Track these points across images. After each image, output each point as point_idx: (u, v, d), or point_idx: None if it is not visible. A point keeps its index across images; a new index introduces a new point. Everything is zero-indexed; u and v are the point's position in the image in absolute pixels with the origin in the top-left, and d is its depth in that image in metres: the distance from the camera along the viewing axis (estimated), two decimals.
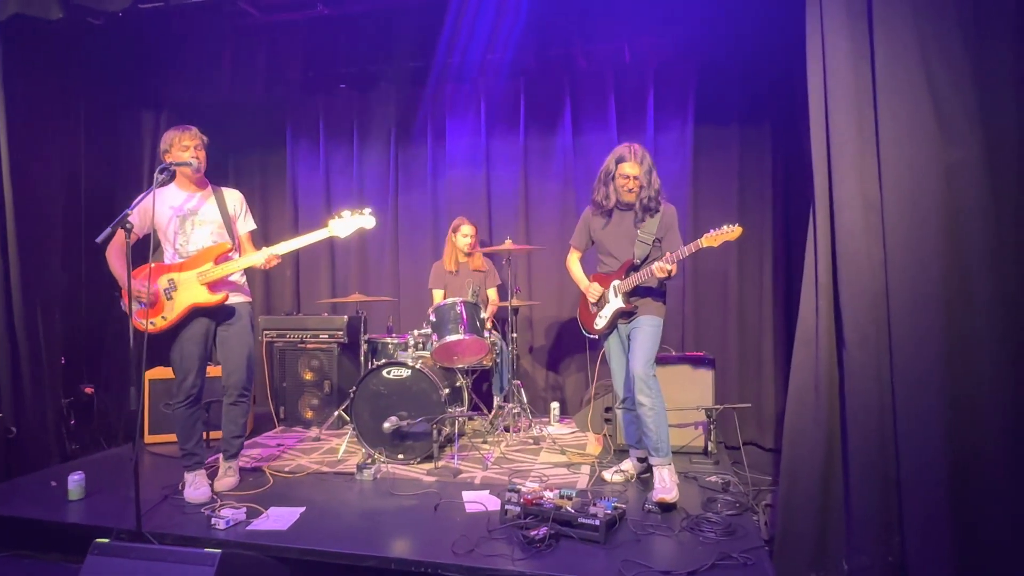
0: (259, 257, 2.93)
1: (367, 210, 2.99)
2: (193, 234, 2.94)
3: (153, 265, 2.85)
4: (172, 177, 2.96)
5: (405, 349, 3.72)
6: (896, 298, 2.05)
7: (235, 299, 3.01)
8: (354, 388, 3.50)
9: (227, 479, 3.08)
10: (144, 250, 2.75)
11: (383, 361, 3.55)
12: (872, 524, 2.08)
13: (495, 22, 3.94)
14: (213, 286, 2.90)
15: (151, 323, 2.83)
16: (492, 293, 4.42)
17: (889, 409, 2.07)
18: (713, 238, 2.70)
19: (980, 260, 1.97)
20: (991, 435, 1.95)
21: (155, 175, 2.67)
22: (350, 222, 2.98)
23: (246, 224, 3.13)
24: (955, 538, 1.96)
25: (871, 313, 2.09)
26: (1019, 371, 1.93)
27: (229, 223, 3.03)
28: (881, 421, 2.08)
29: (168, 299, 2.87)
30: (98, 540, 2.10)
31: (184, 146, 2.89)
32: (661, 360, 3.37)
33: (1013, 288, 1.95)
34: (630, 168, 2.91)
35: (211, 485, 2.98)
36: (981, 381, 1.97)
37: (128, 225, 2.54)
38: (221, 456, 3.13)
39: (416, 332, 3.68)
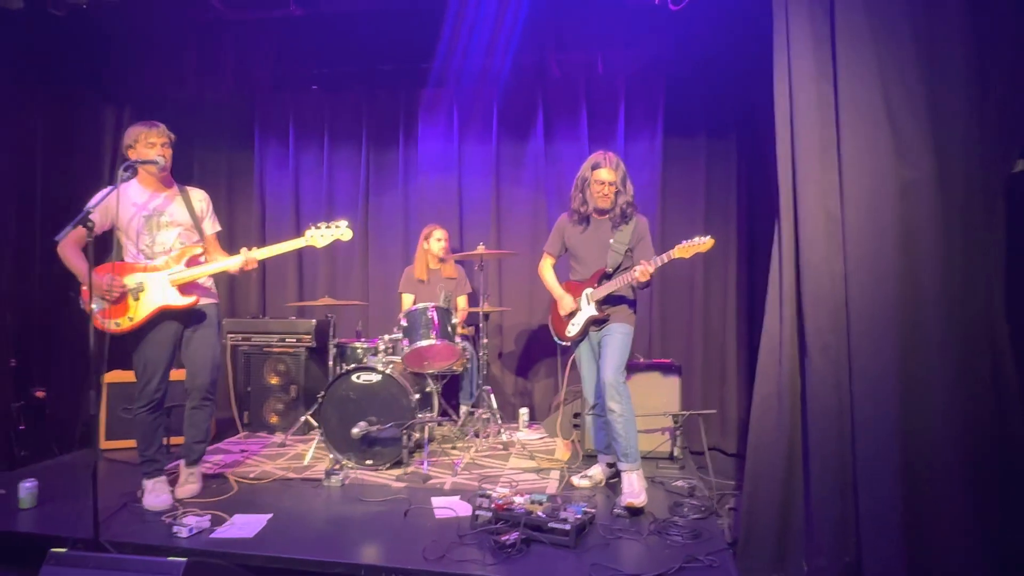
0: (235, 262, 2.88)
1: (344, 223, 2.99)
2: (159, 235, 2.87)
3: (119, 264, 2.77)
4: (135, 174, 2.88)
5: (375, 354, 3.69)
6: (855, 308, 2.15)
7: (204, 301, 2.94)
8: (322, 393, 3.46)
9: (189, 486, 2.99)
10: (100, 247, 2.66)
11: (352, 366, 3.52)
12: (830, 525, 2.16)
13: (470, 28, 3.96)
14: (184, 288, 2.84)
15: (116, 323, 2.74)
16: (462, 301, 4.43)
17: (847, 415, 2.16)
18: (685, 249, 2.76)
19: (931, 272, 2.08)
20: (942, 441, 2.05)
21: (119, 172, 2.59)
22: (327, 233, 2.97)
23: (212, 225, 3.07)
24: (908, 539, 2.05)
25: (832, 322, 2.18)
26: (966, 377, 2.05)
27: (197, 224, 2.96)
28: (840, 427, 2.17)
29: (135, 299, 2.78)
30: (54, 550, 2.02)
31: (151, 143, 2.82)
32: (629, 367, 3.42)
33: (961, 298, 2.07)
34: (606, 175, 2.97)
35: (172, 492, 2.90)
36: (932, 387, 2.07)
37: (89, 223, 2.46)
38: (182, 462, 3.05)
39: (387, 337, 3.66)
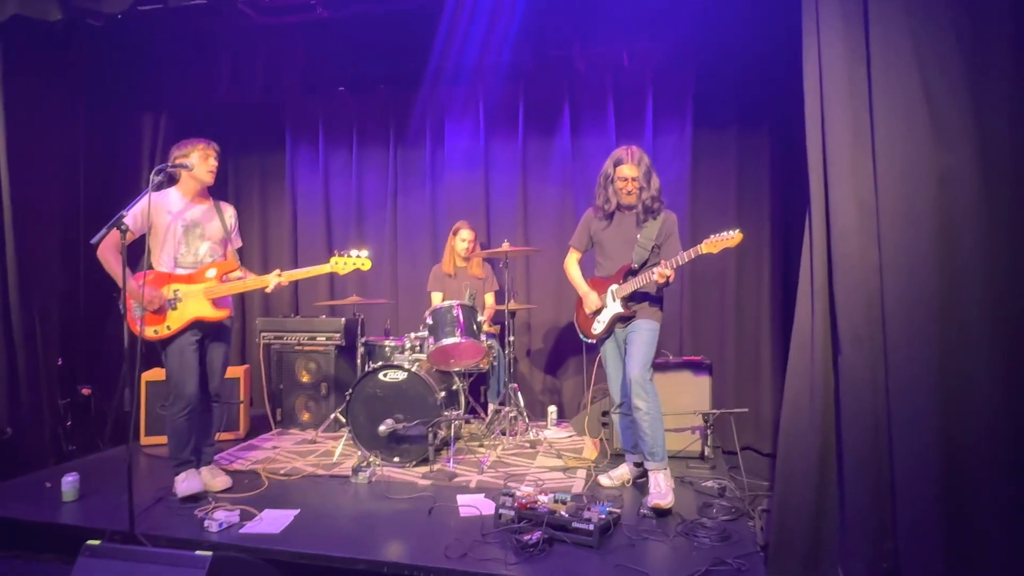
0: (268, 281, 2.99)
1: (365, 252, 3.12)
2: (196, 246, 2.98)
3: (155, 272, 2.89)
4: (168, 181, 2.97)
5: (402, 352, 3.72)
6: (890, 301, 2.04)
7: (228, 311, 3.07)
8: (350, 390, 3.49)
9: (220, 478, 3.08)
10: (134, 250, 2.76)
11: (380, 364, 3.55)
12: (866, 530, 2.06)
13: (493, 24, 3.94)
14: (217, 302, 2.95)
15: (154, 331, 2.88)
16: (489, 298, 4.42)
17: (883, 413, 2.06)
18: (713, 244, 2.68)
19: (973, 263, 1.96)
20: (984, 439, 1.94)
21: (152, 177, 2.67)
22: (350, 262, 3.08)
23: (236, 241, 3.20)
24: (949, 543, 1.95)
25: (866, 316, 2.08)
26: (1011, 374, 1.92)
27: (229, 238, 3.08)
28: (875, 425, 2.07)
29: (173, 309, 2.90)
30: (89, 542, 2.09)
31: (206, 156, 2.95)
32: (658, 365, 3.36)
33: (1005, 291, 1.94)
34: (628, 170, 2.91)
35: (202, 482, 2.97)
36: (974, 385, 1.95)
37: (123, 226, 2.54)
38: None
39: (413, 335, 3.68)
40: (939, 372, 1.97)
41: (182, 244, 2.95)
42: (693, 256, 2.74)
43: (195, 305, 2.91)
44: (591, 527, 2.38)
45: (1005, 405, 1.92)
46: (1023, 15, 1.95)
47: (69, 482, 2.95)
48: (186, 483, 2.90)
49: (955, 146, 1.98)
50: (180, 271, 2.95)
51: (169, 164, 2.86)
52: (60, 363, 3.85)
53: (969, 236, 1.96)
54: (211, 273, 2.96)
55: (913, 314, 2.00)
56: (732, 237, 2.67)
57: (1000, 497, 1.90)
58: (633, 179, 2.91)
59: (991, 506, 1.91)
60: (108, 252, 2.84)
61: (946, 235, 1.99)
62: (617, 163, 2.94)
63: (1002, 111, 1.95)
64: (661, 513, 2.69)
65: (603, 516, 2.46)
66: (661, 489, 2.76)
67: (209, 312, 2.92)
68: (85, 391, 4.03)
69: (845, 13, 2.13)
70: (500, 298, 4.41)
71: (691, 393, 3.52)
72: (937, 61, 2.00)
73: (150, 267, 2.93)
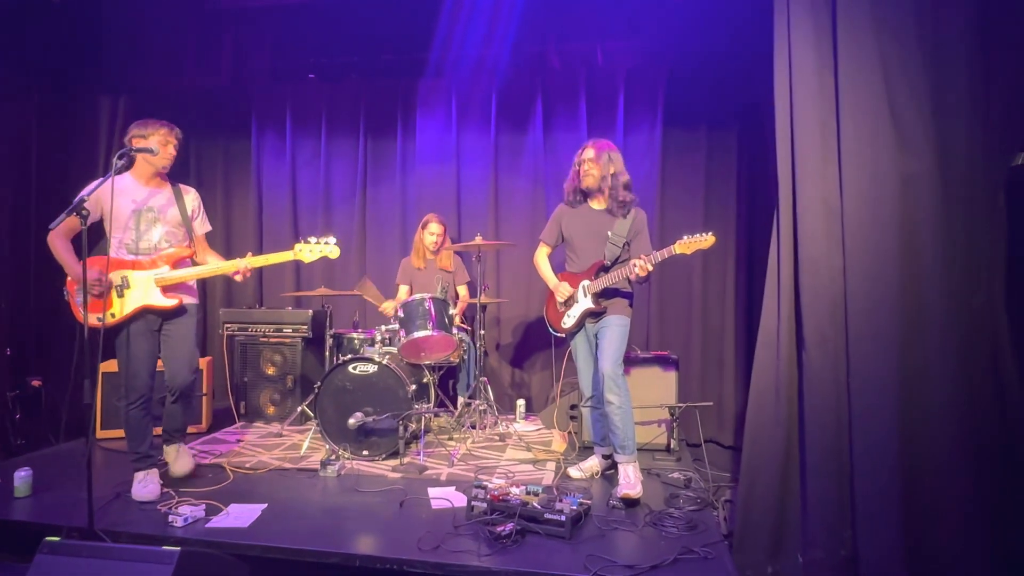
0: (234, 267, 2.89)
1: (332, 239, 2.96)
2: (147, 232, 2.85)
3: (106, 257, 2.75)
4: (130, 164, 2.85)
5: (372, 344, 3.69)
6: (854, 302, 2.14)
7: (185, 300, 2.94)
8: (319, 383, 3.45)
9: (182, 460, 3.02)
10: (89, 239, 2.64)
11: (349, 356, 3.51)
12: (827, 520, 2.16)
13: (469, 18, 3.93)
14: (168, 290, 2.83)
15: (98, 319, 2.72)
16: (462, 290, 4.41)
17: (845, 409, 2.16)
18: (686, 245, 2.75)
19: (932, 265, 2.07)
20: (941, 435, 2.05)
21: (114, 160, 2.57)
22: (316, 249, 2.93)
23: (203, 225, 3.06)
24: (905, 534, 2.06)
25: (830, 316, 2.17)
26: (968, 372, 2.04)
27: (188, 224, 2.95)
28: (837, 421, 2.17)
29: (119, 296, 2.77)
30: (48, 538, 2.02)
31: (168, 142, 2.83)
32: (627, 360, 3.41)
33: (962, 292, 2.06)
34: (588, 153, 3.00)
35: (161, 484, 2.88)
36: (930, 381, 2.07)
37: (84, 211, 2.44)
38: (164, 444, 3.04)
39: (383, 327, 3.65)
40: (898, 370, 2.08)
41: (132, 230, 2.82)
42: (667, 255, 2.79)
43: (143, 292, 2.78)
44: (563, 518, 2.42)
45: (961, 399, 2.04)
46: (978, 31, 2.06)
47: (22, 477, 2.82)
48: (145, 488, 2.80)
49: (917, 154, 2.08)
50: (130, 257, 2.82)
51: (133, 148, 2.75)
52: (8, 353, 3.68)
53: (928, 239, 2.07)
54: (162, 260, 2.84)
55: (874, 315, 2.10)
56: (705, 239, 2.74)
57: (954, 488, 2.02)
58: (591, 160, 2.98)
59: (946, 496, 2.03)
60: (58, 240, 2.72)
61: (907, 238, 2.09)
62: (584, 148, 3.04)
63: (960, 122, 2.06)
64: (630, 503, 2.75)
65: (574, 507, 2.51)
66: (630, 480, 2.82)
67: (158, 300, 2.80)
68: (35, 383, 3.86)
69: (815, 22, 2.21)
70: (471, 291, 4.42)
71: (658, 387, 3.60)
72: (902, 75, 2.10)
73: (106, 255, 2.82)
